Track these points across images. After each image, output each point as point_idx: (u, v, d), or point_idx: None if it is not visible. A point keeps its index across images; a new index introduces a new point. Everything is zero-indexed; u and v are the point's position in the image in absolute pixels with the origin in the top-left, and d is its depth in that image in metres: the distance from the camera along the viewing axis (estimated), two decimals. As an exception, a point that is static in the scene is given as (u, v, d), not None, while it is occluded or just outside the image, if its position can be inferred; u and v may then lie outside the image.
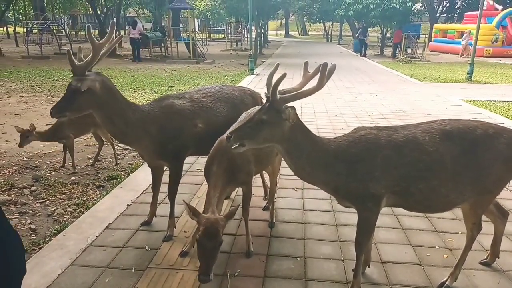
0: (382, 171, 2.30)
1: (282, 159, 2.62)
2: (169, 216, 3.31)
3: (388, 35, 29.42)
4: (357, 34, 25.92)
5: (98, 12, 23.18)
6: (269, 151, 3.01)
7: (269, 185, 3.79)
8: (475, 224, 2.59)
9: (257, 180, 4.36)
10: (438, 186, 2.35)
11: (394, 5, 22.77)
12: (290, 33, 62.41)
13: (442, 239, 3.31)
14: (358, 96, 10.32)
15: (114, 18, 23.44)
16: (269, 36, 39.79)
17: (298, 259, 3.00)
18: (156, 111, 3.06)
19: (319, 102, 9.15)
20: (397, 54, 23.52)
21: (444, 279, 2.69)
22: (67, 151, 4.89)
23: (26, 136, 4.44)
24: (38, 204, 3.98)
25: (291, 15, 61.18)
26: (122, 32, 27.44)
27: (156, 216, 3.54)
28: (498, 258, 2.93)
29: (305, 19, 59.57)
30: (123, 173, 4.86)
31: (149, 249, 3.09)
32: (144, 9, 37.57)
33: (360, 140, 2.36)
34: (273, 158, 3.24)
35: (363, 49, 25.04)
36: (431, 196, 2.38)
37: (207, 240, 2.24)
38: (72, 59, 2.70)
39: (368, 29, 26.32)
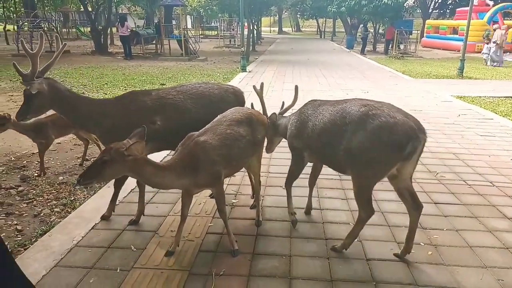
0: (299, 134, 3.21)
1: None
2: (138, 200, 3.47)
3: (380, 31, 29.44)
4: (360, 34, 25.78)
5: (89, 9, 22.96)
6: (238, 153, 2.99)
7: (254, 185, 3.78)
8: (358, 201, 2.88)
9: (245, 179, 4.38)
10: (323, 149, 3.05)
11: (386, 1, 22.76)
12: (284, 29, 62.19)
13: (427, 235, 3.33)
14: (349, 93, 10.31)
15: (106, 15, 23.37)
16: (262, 33, 39.65)
17: (284, 257, 3.01)
18: (113, 106, 3.30)
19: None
20: (389, 50, 23.53)
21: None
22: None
23: (1, 123, 4.35)
24: (25, 205, 3.96)
25: (284, 12, 60.95)
26: (114, 30, 27.23)
27: (144, 215, 3.54)
28: (409, 253, 2.98)
29: (298, 16, 59.46)
30: (111, 172, 4.82)
31: (135, 249, 3.08)
32: (136, 6, 37.25)
33: (300, 113, 3.29)
34: (246, 160, 3.19)
35: (362, 47, 25.00)
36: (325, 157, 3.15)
37: (102, 153, 2.45)
38: (19, 70, 3.09)
39: (361, 25, 26.25)
